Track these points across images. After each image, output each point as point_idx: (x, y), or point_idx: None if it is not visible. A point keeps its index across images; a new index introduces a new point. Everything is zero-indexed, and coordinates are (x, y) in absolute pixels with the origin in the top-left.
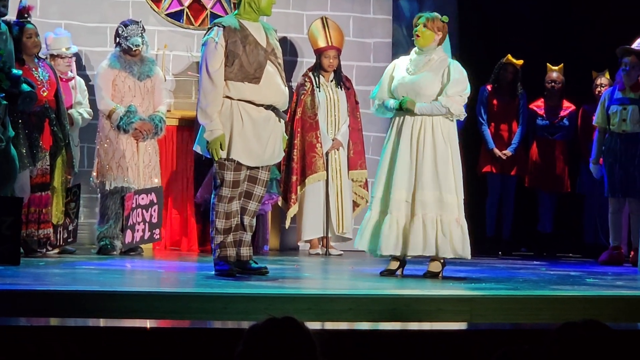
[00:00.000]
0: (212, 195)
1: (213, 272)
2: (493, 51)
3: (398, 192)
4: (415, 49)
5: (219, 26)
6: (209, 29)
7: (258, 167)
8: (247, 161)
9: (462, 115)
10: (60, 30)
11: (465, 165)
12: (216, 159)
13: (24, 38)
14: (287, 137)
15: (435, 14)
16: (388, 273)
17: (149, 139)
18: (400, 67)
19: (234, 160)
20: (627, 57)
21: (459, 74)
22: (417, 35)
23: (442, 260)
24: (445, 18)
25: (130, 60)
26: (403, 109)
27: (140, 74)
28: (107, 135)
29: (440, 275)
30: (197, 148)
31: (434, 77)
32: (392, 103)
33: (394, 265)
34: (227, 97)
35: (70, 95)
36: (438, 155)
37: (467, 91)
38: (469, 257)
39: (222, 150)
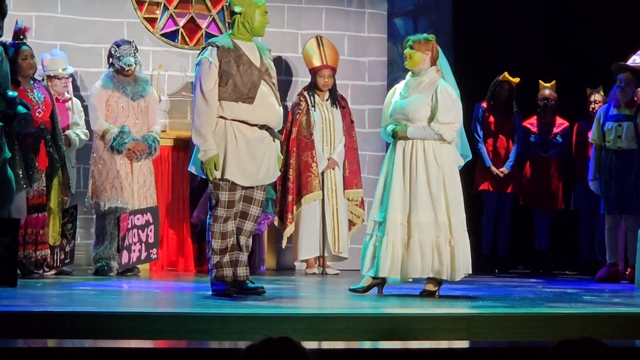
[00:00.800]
0: (208, 216)
1: (210, 293)
2: (488, 68)
3: (393, 214)
4: (410, 72)
5: (213, 46)
6: (203, 48)
7: (253, 187)
8: (242, 181)
9: (455, 141)
10: (56, 51)
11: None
12: (211, 179)
13: (20, 59)
14: (282, 157)
15: (422, 35)
16: (361, 290)
17: (143, 159)
18: (397, 92)
19: (229, 180)
20: (622, 74)
21: (448, 99)
22: (407, 58)
23: (438, 279)
24: (432, 36)
25: (124, 80)
26: (397, 138)
27: (134, 94)
28: (101, 155)
29: (436, 294)
30: (192, 168)
31: (423, 100)
32: (388, 129)
33: (367, 282)
34: (221, 117)
35: (67, 116)
36: (431, 177)
37: (459, 118)
38: (459, 277)
39: (216, 170)
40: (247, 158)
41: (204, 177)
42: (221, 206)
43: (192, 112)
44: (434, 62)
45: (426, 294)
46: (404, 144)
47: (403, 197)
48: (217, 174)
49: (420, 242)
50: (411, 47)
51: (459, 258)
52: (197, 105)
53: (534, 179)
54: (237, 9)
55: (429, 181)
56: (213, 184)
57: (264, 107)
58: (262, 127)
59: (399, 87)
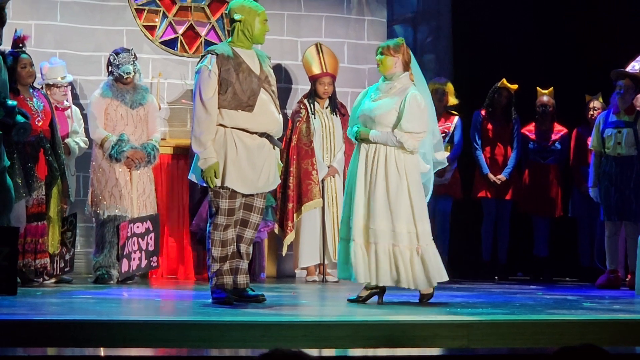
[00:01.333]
0: (208, 224)
1: (210, 300)
2: (488, 75)
3: (357, 219)
4: (382, 77)
5: (212, 54)
6: (202, 56)
7: (253, 195)
8: (242, 189)
9: (416, 151)
10: (55, 60)
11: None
12: (211, 187)
13: (19, 68)
14: (282, 165)
15: (391, 40)
16: (359, 300)
17: (142, 167)
18: (368, 94)
19: (229, 188)
20: (621, 80)
21: (416, 108)
22: (378, 64)
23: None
24: (401, 39)
25: (123, 88)
26: (359, 139)
27: (133, 102)
28: (100, 164)
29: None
30: (192, 177)
31: (392, 105)
32: (353, 130)
33: (364, 293)
34: (221, 125)
35: (67, 124)
36: (390, 185)
37: (423, 129)
38: (432, 286)
39: (216, 178)
40: (247, 166)
41: (204, 185)
42: (221, 214)
43: (192, 120)
44: (406, 66)
45: (358, 300)
46: (367, 147)
47: (364, 202)
48: (217, 182)
49: (376, 251)
50: (381, 53)
51: (432, 266)
52: (196, 113)
53: (532, 185)
54: (237, 16)
55: (388, 189)
56: (213, 192)
57: (264, 115)
58: (262, 134)
59: (372, 89)
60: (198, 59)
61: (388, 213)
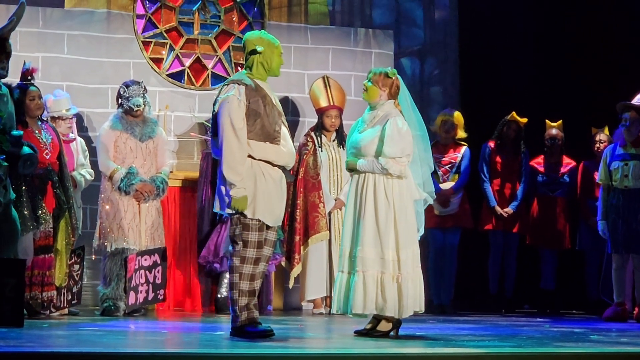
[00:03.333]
0: (232, 258)
1: (225, 333)
2: (495, 108)
3: (345, 249)
4: (368, 106)
5: (240, 84)
6: (224, 86)
7: (269, 228)
8: (270, 220)
9: (403, 175)
10: (59, 92)
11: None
12: (243, 213)
13: (27, 100)
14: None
15: (384, 69)
16: (362, 333)
17: (151, 200)
18: (357, 127)
19: (259, 220)
20: (627, 113)
21: (396, 133)
22: (364, 89)
23: (395, 319)
24: (393, 72)
25: (132, 121)
26: (348, 170)
27: (142, 135)
28: (109, 196)
29: (393, 333)
30: (217, 207)
31: (374, 134)
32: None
33: (369, 325)
34: (249, 156)
35: (73, 157)
36: (379, 213)
37: (407, 152)
38: (408, 314)
39: (246, 210)
40: (275, 198)
41: (228, 215)
42: (251, 247)
43: (219, 149)
44: (391, 96)
45: (379, 335)
46: (357, 177)
47: (352, 231)
48: (249, 213)
49: (364, 278)
50: (369, 80)
51: (407, 295)
52: (228, 143)
53: (541, 218)
54: (259, 48)
55: (377, 217)
56: (242, 225)
57: (287, 148)
58: (280, 167)
59: (360, 121)
60: (219, 90)
61: (377, 240)
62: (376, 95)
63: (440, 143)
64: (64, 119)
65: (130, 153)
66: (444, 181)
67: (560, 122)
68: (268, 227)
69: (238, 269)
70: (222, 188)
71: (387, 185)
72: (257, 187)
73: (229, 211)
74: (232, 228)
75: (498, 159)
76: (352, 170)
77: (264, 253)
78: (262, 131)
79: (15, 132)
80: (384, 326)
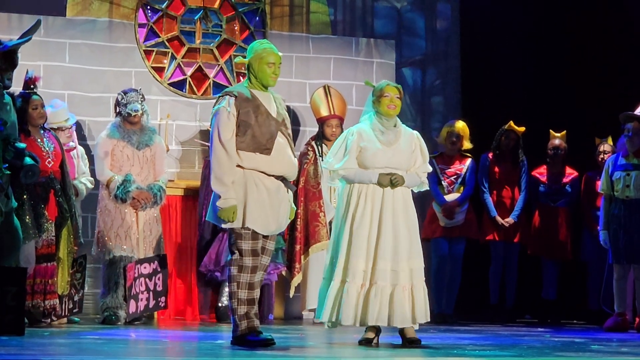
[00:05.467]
0: (230, 267)
1: (226, 342)
2: (497, 118)
3: (356, 260)
4: (379, 117)
5: (231, 95)
6: (219, 97)
7: (266, 237)
8: (262, 229)
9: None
10: (57, 102)
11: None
12: (226, 225)
13: (30, 109)
14: (295, 208)
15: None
16: (366, 342)
17: (148, 208)
18: (367, 137)
19: (250, 229)
20: (629, 123)
21: (425, 147)
22: (394, 106)
23: (377, 327)
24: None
25: (130, 129)
26: (383, 185)
27: (139, 143)
28: (106, 204)
29: (375, 342)
30: (211, 218)
31: (408, 149)
32: (374, 177)
33: (371, 334)
34: (239, 166)
35: (73, 165)
36: (400, 225)
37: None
38: (418, 323)
39: (233, 220)
40: (268, 207)
41: (223, 226)
42: (246, 255)
43: (208, 160)
44: None
45: (365, 342)
46: (373, 190)
47: (367, 244)
48: (238, 224)
49: (381, 290)
50: (398, 98)
51: (419, 305)
52: (216, 154)
53: (542, 228)
54: (244, 60)
55: (398, 228)
56: (235, 234)
57: (281, 159)
58: (278, 177)
59: (364, 132)
60: (213, 101)
61: (394, 252)
62: (400, 109)
63: (446, 154)
64: (63, 129)
65: (127, 161)
66: (449, 192)
67: (564, 132)
68: (266, 236)
69: (235, 277)
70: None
71: (405, 196)
72: (248, 196)
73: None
74: (230, 237)
75: (497, 169)
76: (385, 185)
77: (261, 262)
78: (253, 141)
79: (19, 145)
80: (370, 334)
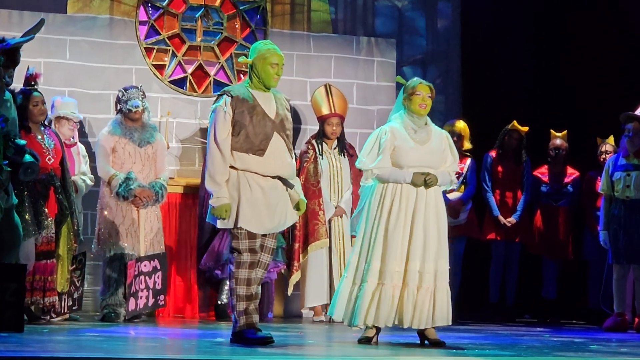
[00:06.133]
0: (230, 264)
1: (225, 340)
2: (497, 117)
3: (392, 262)
4: (410, 116)
5: (228, 95)
6: (219, 96)
7: (265, 235)
8: (256, 229)
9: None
10: (67, 97)
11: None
12: (220, 225)
13: (31, 105)
14: (305, 200)
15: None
16: (366, 340)
17: (150, 205)
18: (400, 136)
19: (244, 229)
20: (630, 124)
21: (454, 146)
22: (425, 105)
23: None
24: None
25: (131, 126)
26: (417, 185)
27: (141, 141)
28: (107, 202)
29: (374, 340)
30: (210, 218)
31: (440, 147)
32: (407, 177)
33: (371, 332)
34: (232, 167)
35: (74, 162)
36: (431, 226)
37: None
38: (434, 325)
39: (227, 218)
40: (262, 206)
41: (218, 226)
42: (244, 252)
43: (205, 159)
44: None
45: (364, 341)
46: (408, 190)
47: (401, 244)
48: (230, 223)
49: (414, 291)
50: (430, 97)
51: (440, 307)
52: (211, 153)
53: (544, 228)
54: (247, 60)
55: (429, 229)
56: (232, 235)
57: (275, 160)
58: (273, 177)
59: (397, 131)
60: (212, 99)
61: (430, 252)
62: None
63: None
64: (68, 119)
65: (128, 158)
66: (451, 191)
67: (565, 132)
68: (264, 235)
69: (234, 274)
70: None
71: (437, 196)
72: (241, 196)
73: (219, 222)
74: (229, 238)
75: (500, 168)
76: (418, 185)
77: (260, 260)
78: (246, 142)
79: (19, 141)
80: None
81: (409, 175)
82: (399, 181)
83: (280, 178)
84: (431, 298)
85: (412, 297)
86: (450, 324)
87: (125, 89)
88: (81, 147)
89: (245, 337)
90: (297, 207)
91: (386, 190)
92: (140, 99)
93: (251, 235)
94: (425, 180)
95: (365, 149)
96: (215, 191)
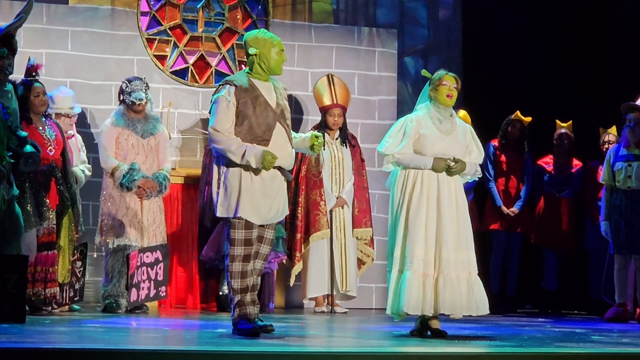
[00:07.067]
0: (225, 257)
1: (231, 331)
2: (499, 107)
3: (412, 248)
4: (436, 106)
5: (231, 84)
6: (220, 86)
7: (264, 226)
8: (255, 219)
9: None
10: (65, 89)
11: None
12: (219, 212)
13: (32, 96)
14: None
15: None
16: (418, 333)
17: (153, 196)
18: (426, 125)
19: (243, 219)
20: (631, 114)
21: (478, 139)
22: (450, 95)
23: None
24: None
25: (134, 117)
26: (438, 170)
27: (144, 132)
28: (110, 193)
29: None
30: (218, 211)
31: (464, 139)
32: (425, 161)
33: (419, 324)
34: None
35: (73, 153)
36: (459, 213)
37: None
38: (480, 313)
39: (273, 159)
40: (261, 196)
41: (230, 217)
42: (238, 245)
43: (208, 147)
44: None
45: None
46: (429, 176)
47: (427, 232)
48: (230, 213)
49: (448, 279)
50: (456, 87)
51: (479, 295)
52: (215, 139)
53: (546, 218)
54: (252, 50)
55: (457, 217)
56: (229, 224)
57: (278, 150)
58: (275, 167)
59: (422, 120)
60: (213, 89)
61: (459, 240)
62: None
63: None
64: (69, 116)
65: (131, 149)
66: None
67: (570, 122)
68: (262, 225)
69: (228, 267)
70: (215, 194)
71: (457, 184)
72: (242, 185)
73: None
74: (227, 227)
75: (503, 158)
76: (454, 173)
77: (258, 250)
78: (250, 132)
79: (20, 133)
80: (436, 324)
81: (429, 161)
82: (420, 167)
83: (279, 168)
84: (467, 286)
85: (451, 285)
86: (487, 312)
87: (129, 80)
88: (78, 138)
89: (237, 327)
90: (311, 147)
91: (407, 177)
92: (144, 90)
93: (248, 226)
94: (449, 167)
95: (389, 135)
96: (247, 153)
